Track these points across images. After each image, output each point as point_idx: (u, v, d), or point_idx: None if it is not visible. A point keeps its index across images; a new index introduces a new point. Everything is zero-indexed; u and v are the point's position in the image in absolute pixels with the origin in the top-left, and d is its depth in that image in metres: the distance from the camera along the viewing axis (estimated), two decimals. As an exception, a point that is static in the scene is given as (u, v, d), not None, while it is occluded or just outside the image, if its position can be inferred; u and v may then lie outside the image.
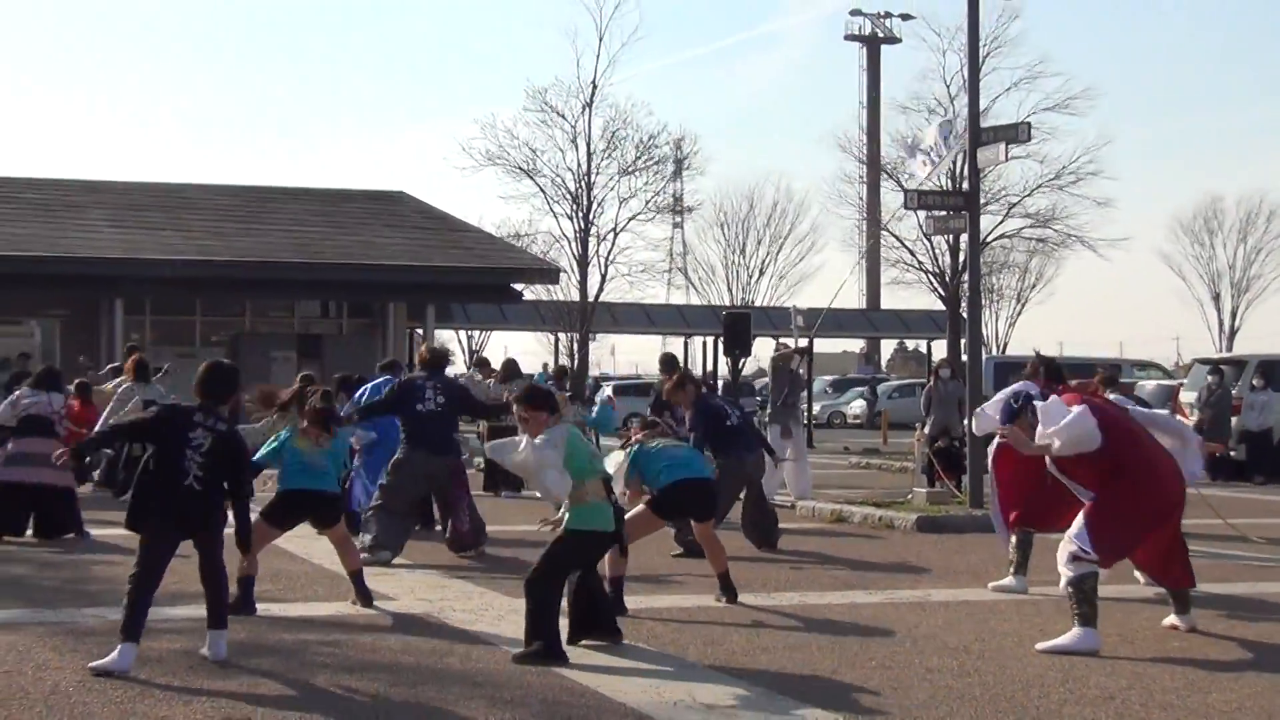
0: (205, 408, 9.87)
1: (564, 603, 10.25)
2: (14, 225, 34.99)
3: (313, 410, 12.12)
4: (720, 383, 44.04)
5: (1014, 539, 13.30)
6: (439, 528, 16.31)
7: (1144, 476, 10.86)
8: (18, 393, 17.38)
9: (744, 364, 40.83)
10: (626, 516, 11.77)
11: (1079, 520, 10.84)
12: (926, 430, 23.90)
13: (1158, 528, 10.98)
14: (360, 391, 17.43)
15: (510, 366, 24.27)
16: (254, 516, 11.44)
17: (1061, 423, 10.82)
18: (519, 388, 21.23)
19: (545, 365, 32.90)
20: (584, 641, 10.34)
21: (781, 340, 24.47)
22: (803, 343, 27.72)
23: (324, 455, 11.93)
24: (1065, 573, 10.67)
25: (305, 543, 14.87)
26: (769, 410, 22.84)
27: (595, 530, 10.21)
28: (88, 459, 19.54)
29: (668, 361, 20.74)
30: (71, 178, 41.11)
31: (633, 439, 12.56)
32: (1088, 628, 10.44)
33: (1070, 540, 10.78)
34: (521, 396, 10.45)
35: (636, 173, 45.31)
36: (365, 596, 11.93)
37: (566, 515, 10.28)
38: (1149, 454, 11.06)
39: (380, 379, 17.98)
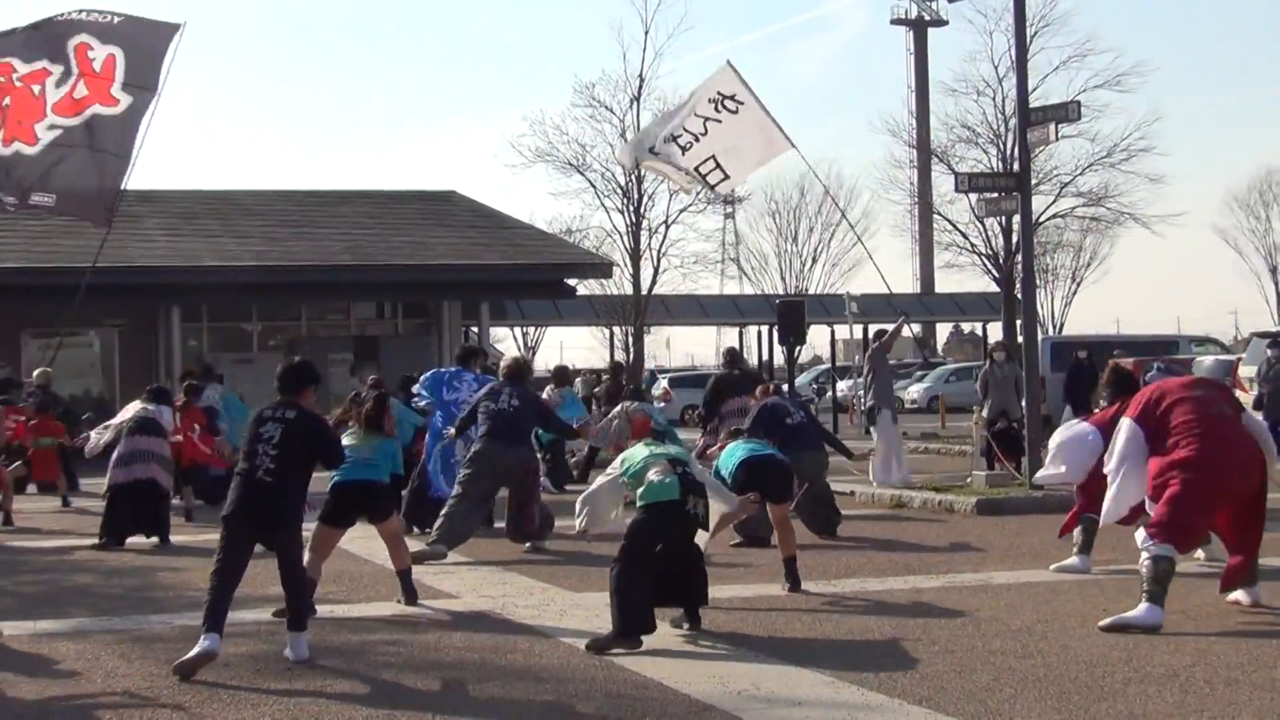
0: (279, 402, 10.12)
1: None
2: (71, 237, 35.17)
3: (365, 414, 12.32)
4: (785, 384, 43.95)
5: (1081, 522, 13.40)
6: (499, 524, 16.39)
7: (1197, 449, 10.87)
8: (133, 405, 17.92)
9: (799, 352, 40.80)
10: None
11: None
12: (984, 413, 23.83)
13: (1222, 500, 10.94)
14: (422, 382, 17.72)
15: (561, 372, 24.71)
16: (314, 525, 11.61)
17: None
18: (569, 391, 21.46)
19: (599, 374, 32.77)
20: (663, 611, 10.54)
21: (879, 330, 24.49)
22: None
23: (372, 449, 12.04)
24: (1143, 551, 10.71)
25: (366, 543, 14.96)
26: (870, 396, 22.86)
27: (652, 501, 10.60)
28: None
29: (731, 355, 20.98)
30: (127, 188, 41.31)
31: (710, 453, 13.15)
32: (1153, 605, 10.43)
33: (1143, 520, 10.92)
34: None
35: (687, 165, 45.31)
36: (411, 595, 12.05)
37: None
38: (1201, 427, 11.04)
39: (448, 369, 18.06)
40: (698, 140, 19.78)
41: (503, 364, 16.87)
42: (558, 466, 23.09)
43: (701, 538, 11.06)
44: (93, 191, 13.59)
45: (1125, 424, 11.33)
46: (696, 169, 19.87)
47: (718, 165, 19.87)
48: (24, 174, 13.27)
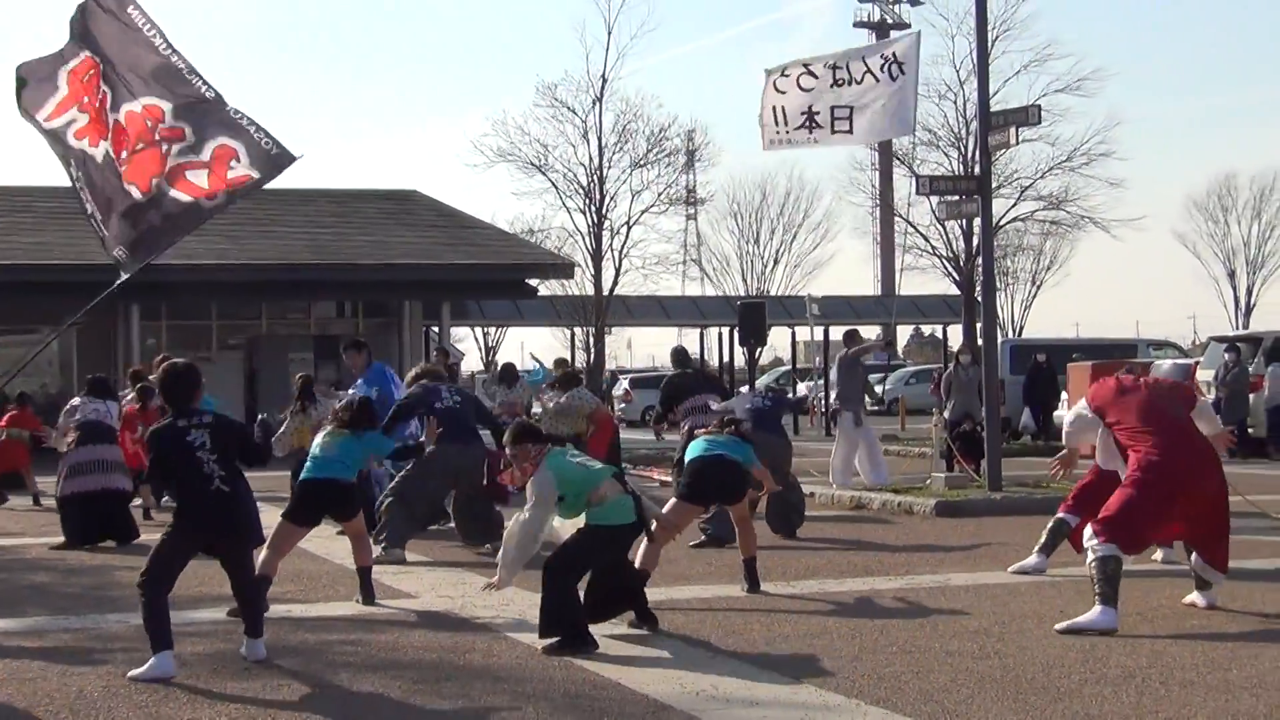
0: (180, 412, 9.73)
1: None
2: (30, 234, 35.10)
3: (340, 416, 12.34)
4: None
5: (1050, 523, 13.44)
6: (450, 524, 16.33)
7: (1148, 452, 10.93)
8: (75, 402, 17.67)
9: (760, 354, 40.85)
10: (661, 514, 12.15)
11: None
12: (946, 415, 23.91)
13: (1174, 504, 10.97)
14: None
15: (508, 370, 24.72)
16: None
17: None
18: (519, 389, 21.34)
19: (534, 357, 31.66)
20: (608, 625, 10.53)
21: (850, 330, 24.43)
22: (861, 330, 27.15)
23: (339, 448, 12.01)
24: (1090, 552, 10.76)
25: (325, 543, 14.95)
26: (835, 399, 22.96)
27: (615, 524, 10.33)
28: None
29: (679, 355, 20.74)
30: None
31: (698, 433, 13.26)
32: (1106, 606, 10.48)
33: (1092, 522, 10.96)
34: (508, 438, 10.65)
35: (648, 165, 45.32)
36: (369, 594, 12.03)
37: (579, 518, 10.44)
38: (1152, 429, 11.11)
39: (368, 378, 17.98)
40: (849, 84, 19.67)
41: (417, 371, 16.53)
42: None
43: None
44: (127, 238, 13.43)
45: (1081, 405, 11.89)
46: (833, 109, 19.74)
47: (850, 116, 19.78)
48: (123, 221, 13.15)
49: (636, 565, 11.53)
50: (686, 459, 12.70)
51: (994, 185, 24.52)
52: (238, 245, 36.05)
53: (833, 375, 23.82)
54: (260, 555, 11.11)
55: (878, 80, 19.47)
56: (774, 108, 19.91)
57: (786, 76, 19.84)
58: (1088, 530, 10.93)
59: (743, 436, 12.76)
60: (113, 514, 16.65)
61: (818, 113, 19.69)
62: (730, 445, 12.52)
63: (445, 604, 12.03)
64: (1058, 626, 10.50)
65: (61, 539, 16.51)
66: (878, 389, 57.22)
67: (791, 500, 16.57)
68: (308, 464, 12.09)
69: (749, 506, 12.90)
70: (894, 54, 19.54)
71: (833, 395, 23.48)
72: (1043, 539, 13.43)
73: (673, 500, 12.51)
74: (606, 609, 10.61)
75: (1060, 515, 13.40)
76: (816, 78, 19.68)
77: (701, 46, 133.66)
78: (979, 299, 23.89)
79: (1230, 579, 12.00)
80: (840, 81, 19.58)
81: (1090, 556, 10.73)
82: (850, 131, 19.82)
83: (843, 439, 22.29)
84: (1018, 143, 21.85)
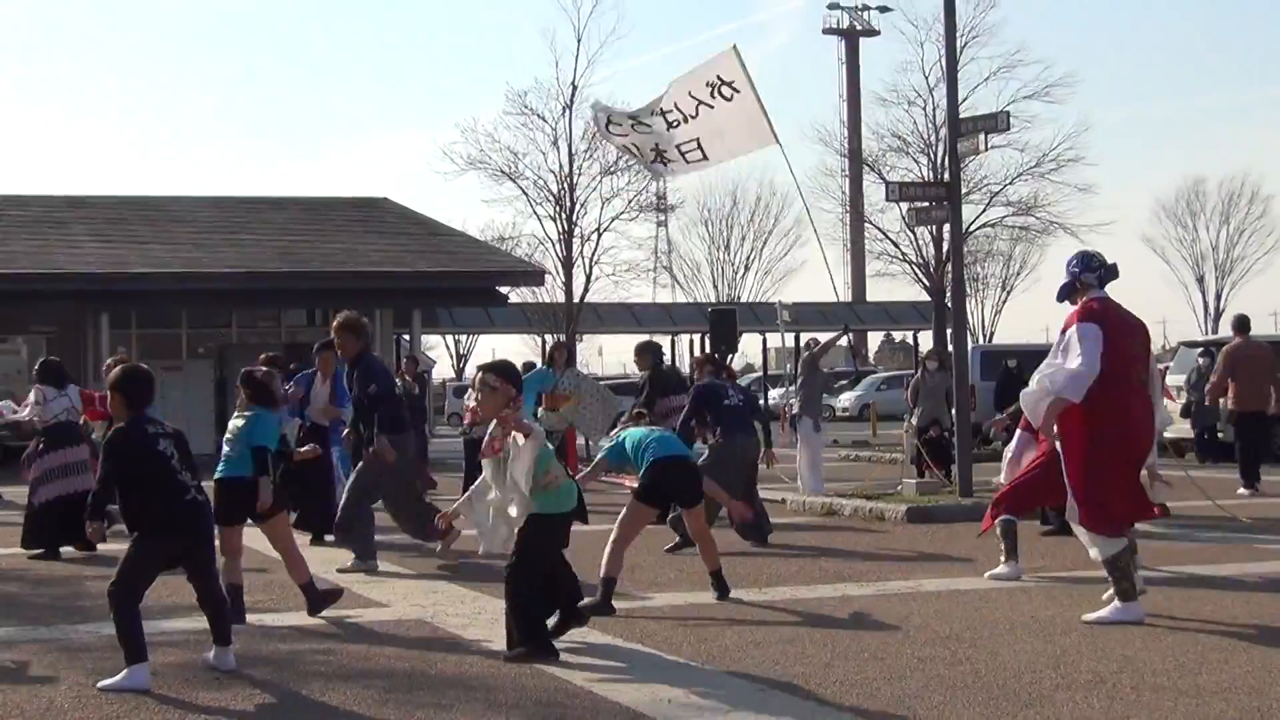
0: (145, 417, 9.56)
1: None
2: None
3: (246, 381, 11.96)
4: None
5: (999, 527, 13.42)
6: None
7: (1118, 416, 10.92)
8: (41, 389, 17.22)
9: (731, 360, 40.82)
10: (619, 517, 12.11)
11: (1069, 501, 11.02)
12: (915, 421, 23.96)
13: (1137, 461, 11.08)
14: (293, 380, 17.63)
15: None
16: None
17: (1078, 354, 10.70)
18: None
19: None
20: (579, 632, 10.52)
21: (813, 338, 24.33)
22: (822, 337, 27.03)
23: (235, 441, 11.70)
24: (1094, 554, 10.90)
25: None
26: (797, 404, 22.88)
27: (563, 512, 10.23)
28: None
29: (645, 349, 20.48)
30: (54, 194, 41.05)
31: (618, 429, 12.84)
32: (1129, 602, 10.78)
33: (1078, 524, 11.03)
34: (492, 366, 10.47)
35: (618, 172, 45.24)
36: (317, 606, 11.89)
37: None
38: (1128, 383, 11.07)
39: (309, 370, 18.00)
40: (686, 121, 19.89)
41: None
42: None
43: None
44: None
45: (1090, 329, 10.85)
46: (678, 146, 20.02)
47: (699, 146, 20.07)
48: None
49: (602, 571, 11.71)
50: (639, 450, 12.18)
51: (964, 191, 24.58)
52: (207, 254, 35.99)
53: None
54: (220, 564, 10.93)
55: (713, 106, 19.78)
56: (626, 146, 20.57)
57: (618, 125, 20.35)
58: (1082, 533, 11.01)
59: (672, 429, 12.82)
60: (77, 518, 16.55)
61: (664, 151, 20.20)
62: (677, 443, 12.53)
63: (417, 613, 12.00)
64: (1086, 617, 10.83)
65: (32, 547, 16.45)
66: (847, 395, 57.03)
67: (758, 507, 16.51)
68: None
69: (709, 516, 12.84)
70: (719, 77, 19.84)
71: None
72: (1003, 546, 13.41)
73: (629, 502, 12.27)
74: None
75: (1004, 517, 13.27)
76: (651, 128, 20.10)
77: (671, 52, 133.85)
78: (949, 304, 23.91)
79: (1199, 585, 12.08)
80: (674, 123, 19.93)
81: (1097, 557, 10.89)
82: (706, 157, 20.32)
83: (804, 445, 22.27)
84: (987, 149, 21.91)
